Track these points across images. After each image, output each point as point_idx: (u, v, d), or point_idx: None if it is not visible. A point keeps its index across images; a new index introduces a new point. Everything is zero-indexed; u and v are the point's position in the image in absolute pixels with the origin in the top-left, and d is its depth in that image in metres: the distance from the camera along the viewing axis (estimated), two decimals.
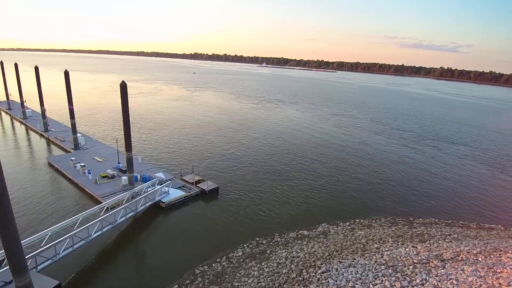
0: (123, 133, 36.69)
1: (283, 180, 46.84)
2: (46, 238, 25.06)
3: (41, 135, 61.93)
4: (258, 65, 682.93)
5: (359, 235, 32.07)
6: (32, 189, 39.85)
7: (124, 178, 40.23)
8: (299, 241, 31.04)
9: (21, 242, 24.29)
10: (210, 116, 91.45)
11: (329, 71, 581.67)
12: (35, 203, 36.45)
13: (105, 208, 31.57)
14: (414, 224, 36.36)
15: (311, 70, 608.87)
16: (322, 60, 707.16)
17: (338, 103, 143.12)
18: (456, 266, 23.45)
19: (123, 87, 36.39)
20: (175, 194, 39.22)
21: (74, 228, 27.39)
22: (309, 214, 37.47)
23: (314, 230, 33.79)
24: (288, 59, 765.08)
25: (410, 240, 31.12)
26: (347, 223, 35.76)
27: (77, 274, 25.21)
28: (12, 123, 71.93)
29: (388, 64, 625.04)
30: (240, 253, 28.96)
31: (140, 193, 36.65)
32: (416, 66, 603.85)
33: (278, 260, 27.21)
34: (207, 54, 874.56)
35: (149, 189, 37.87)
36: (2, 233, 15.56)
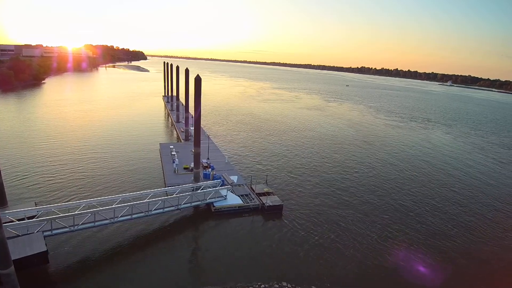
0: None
1: (374, 226, 35.02)
2: (80, 208, 27.67)
3: (173, 125, 73.43)
4: (440, 83, 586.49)
5: None
6: (129, 163, 46.72)
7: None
8: None
9: (60, 205, 27.93)
10: (332, 129, 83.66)
11: None
12: (117, 174, 42.28)
13: (150, 195, 32.47)
14: None
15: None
16: None
17: None
18: None
19: (197, 80, 36.91)
20: (232, 201, 36.47)
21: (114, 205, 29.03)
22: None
23: None
24: (477, 77, 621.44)
25: None
26: None
27: (78, 251, 25.92)
28: (168, 114, 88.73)
29: None
30: None
31: (194, 191, 36.05)
32: None
33: None
34: (375, 68, 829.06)
35: (208, 189, 36.82)
36: None
